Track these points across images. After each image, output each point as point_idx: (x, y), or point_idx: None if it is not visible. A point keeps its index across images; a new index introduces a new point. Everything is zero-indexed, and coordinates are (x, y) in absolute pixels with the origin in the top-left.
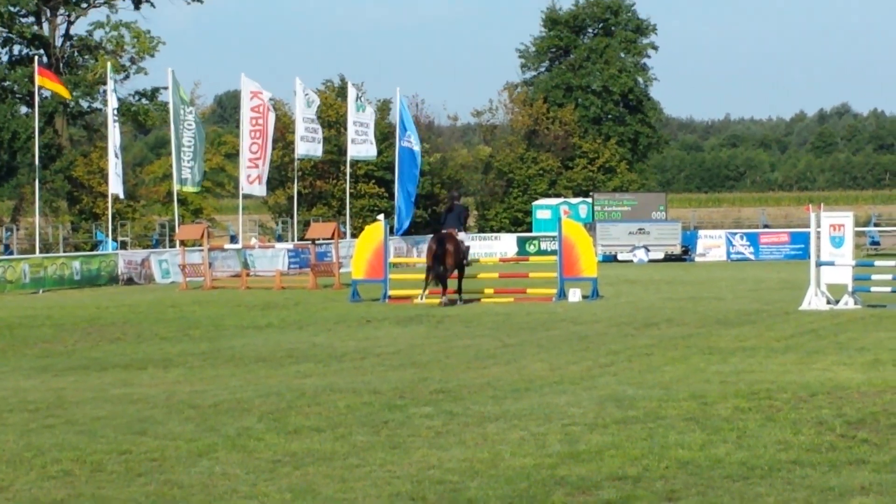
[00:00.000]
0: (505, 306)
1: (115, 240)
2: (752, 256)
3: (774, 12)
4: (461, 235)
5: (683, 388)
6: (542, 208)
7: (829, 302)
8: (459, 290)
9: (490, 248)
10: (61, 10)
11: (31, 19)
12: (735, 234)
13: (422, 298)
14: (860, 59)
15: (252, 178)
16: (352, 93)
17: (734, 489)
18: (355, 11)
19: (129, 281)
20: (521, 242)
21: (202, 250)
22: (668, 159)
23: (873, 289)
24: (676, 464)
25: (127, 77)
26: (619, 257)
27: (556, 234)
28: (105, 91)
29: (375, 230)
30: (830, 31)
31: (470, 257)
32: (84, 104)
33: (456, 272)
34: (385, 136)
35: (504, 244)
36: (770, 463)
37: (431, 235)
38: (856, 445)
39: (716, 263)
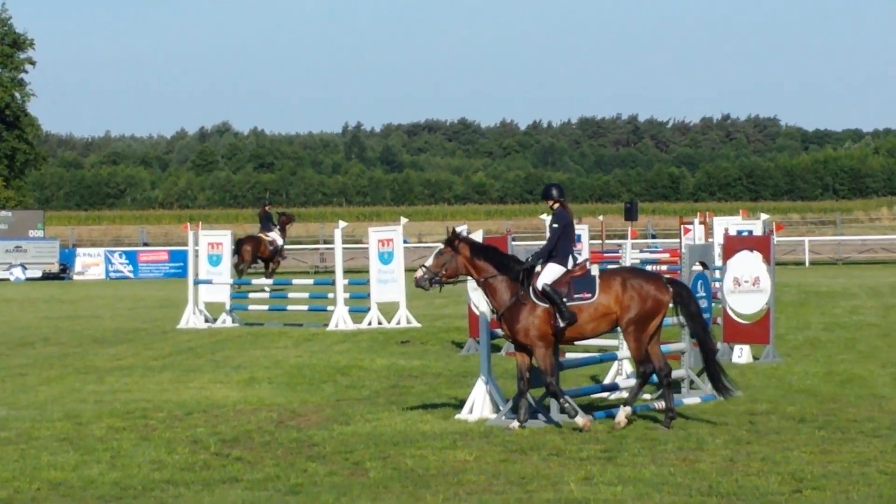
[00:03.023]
0: None
1: None
2: (131, 275)
3: (243, 29)
4: None
5: (58, 408)
6: None
7: (207, 320)
8: None
9: None
10: None
11: None
12: (114, 252)
13: None
14: (240, 79)
15: None
16: None
17: None
18: None
19: None
20: None
21: None
22: (47, 176)
23: (250, 307)
24: (48, 485)
25: None
26: None
27: None
28: None
29: None
30: (292, 50)
31: None
32: None
33: None
34: None
35: None
36: (144, 483)
37: None
38: (230, 463)
39: (95, 282)
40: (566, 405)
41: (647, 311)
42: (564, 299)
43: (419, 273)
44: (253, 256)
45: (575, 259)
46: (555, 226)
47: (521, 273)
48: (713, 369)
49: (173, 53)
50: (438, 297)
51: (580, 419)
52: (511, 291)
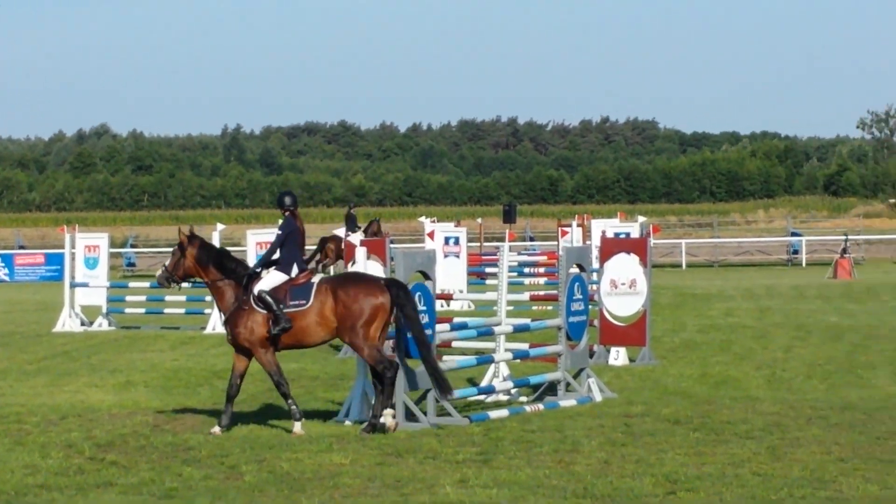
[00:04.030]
0: None
1: None
2: (7, 278)
3: (122, 31)
4: None
5: None
6: None
7: (83, 324)
8: None
9: None
10: None
11: None
12: None
13: None
14: (119, 80)
15: None
16: None
17: None
18: None
19: None
20: None
21: None
22: None
23: (127, 310)
24: None
25: None
26: None
27: None
28: None
29: None
30: (171, 52)
31: None
32: None
33: None
34: None
35: None
36: (17, 488)
37: None
38: (104, 468)
39: None
40: (293, 408)
41: (363, 315)
42: (281, 306)
43: (159, 272)
44: (336, 255)
45: (301, 267)
46: (279, 233)
47: (245, 278)
48: (430, 370)
49: (51, 54)
50: None
51: (297, 427)
52: (235, 296)
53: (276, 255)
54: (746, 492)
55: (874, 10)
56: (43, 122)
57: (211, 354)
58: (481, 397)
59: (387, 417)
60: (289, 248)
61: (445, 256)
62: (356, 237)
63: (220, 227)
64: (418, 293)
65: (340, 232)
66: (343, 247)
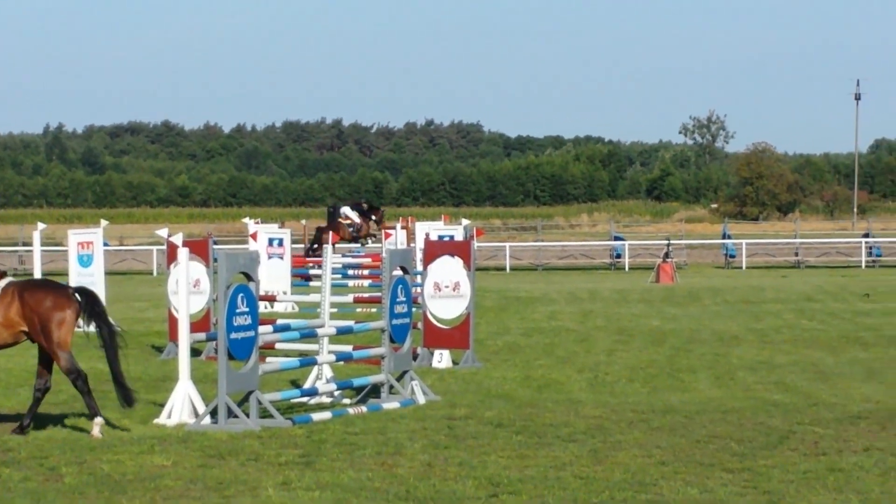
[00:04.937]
0: None
1: None
2: None
3: None
4: None
5: None
6: None
7: None
8: None
9: None
10: None
11: None
12: None
13: None
14: None
15: None
16: None
17: None
18: None
19: None
20: None
21: None
22: None
23: None
24: None
25: None
26: None
27: None
28: None
29: None
30: None
31: None
32: None
33: None
34: None
35: None
36: None
37: None
38: None
39: None
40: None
41: (51, 322)
42: None
43: None
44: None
45: None
46: None
47: None
48: (114, 377)
49: None
50: (139, 301)
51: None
52: None
53: None
54: (568, 494)
55: (696, 15)
56: None
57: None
58: (304, 399)
59: (94, 427)
60: None
61: (269, 258)
62: (354, 216)
63: (41, 226)
64: (241, 294)
65: (351, 214)
66: (349, 225)
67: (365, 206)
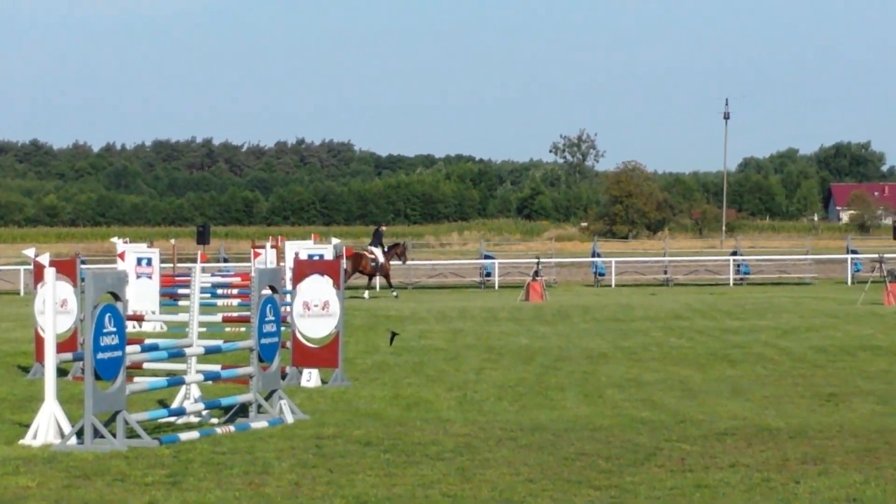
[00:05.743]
0: None
1: None
2: None
3: None
4: None
5: None
6: None
7: None
8: None
9: None
10: None
11: None
12: None
13: None
14: None
15: None
16: None
17: None
18: None
19: None
20: None
21: None
22: None
23: None
24: None
25: None
26: None
27: None
28: None
29: None
30: None
31: None
32: None
33: None
34: None
35: None
36: None
37: None
38: None
39: None
40: None
41: None
42: None
43: None
44: (353, 270)
45: None
46: None
47: None
48: None
49: None
50: (5, 321)
51: None
52: None
53: None
54: None
55: (566, 34)
56: None
57: None
58: (172, 419)
59: None
60: None
61: (138, 277)
62: (378, 252)
63: None
64: (108, 314)
65: (376, 251)
66: (361, 262)
67: (385, 242)
